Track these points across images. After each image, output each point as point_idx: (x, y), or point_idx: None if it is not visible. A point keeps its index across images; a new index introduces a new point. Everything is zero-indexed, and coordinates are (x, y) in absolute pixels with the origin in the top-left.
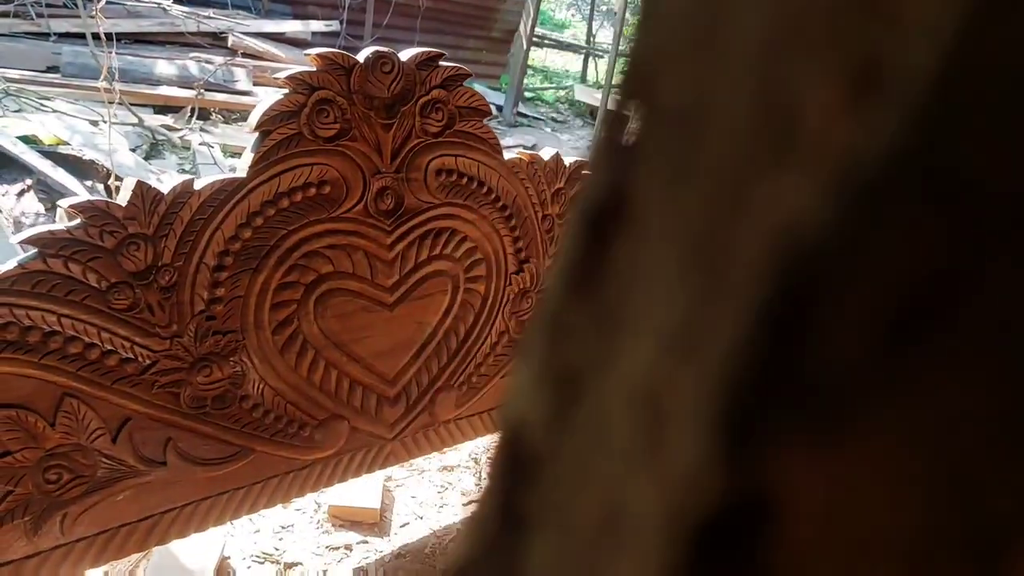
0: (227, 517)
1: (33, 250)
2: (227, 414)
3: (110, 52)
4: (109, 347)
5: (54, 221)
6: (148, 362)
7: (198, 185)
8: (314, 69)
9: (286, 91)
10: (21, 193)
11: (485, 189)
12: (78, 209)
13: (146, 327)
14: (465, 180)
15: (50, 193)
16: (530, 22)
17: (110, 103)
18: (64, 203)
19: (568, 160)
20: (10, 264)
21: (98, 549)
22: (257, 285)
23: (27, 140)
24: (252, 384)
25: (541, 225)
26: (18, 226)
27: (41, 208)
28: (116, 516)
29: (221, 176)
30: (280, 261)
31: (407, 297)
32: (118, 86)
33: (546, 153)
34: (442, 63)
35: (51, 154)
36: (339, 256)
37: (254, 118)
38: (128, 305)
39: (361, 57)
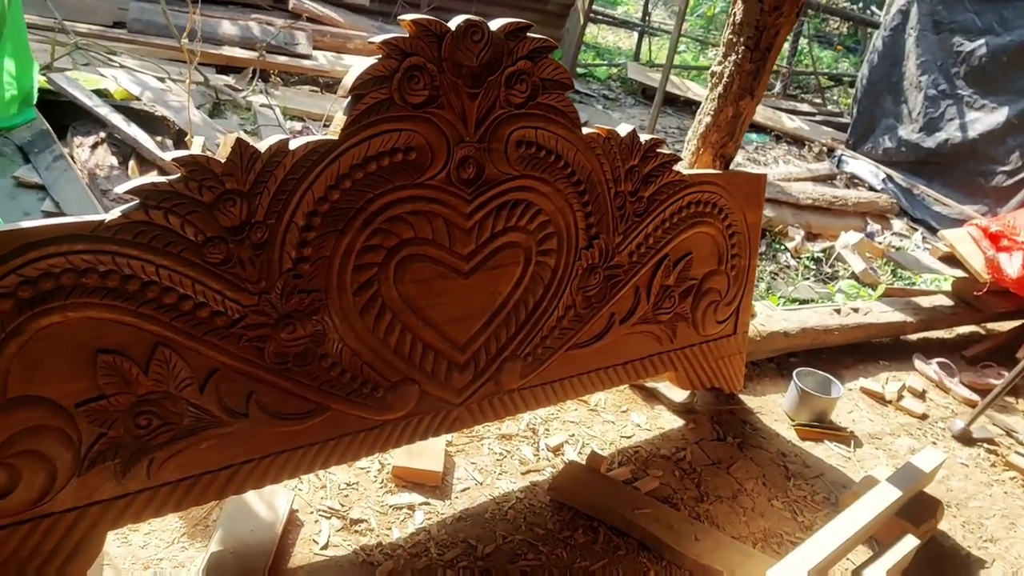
0: (301, 471)
1: (135, 201)
2: (307, 371)
3: (194, 11)
4: (202, 299)
5: (126, 174)
6: (237, 316)
7: (292, 145)
8: (407, 35)
9: (379, 56)
10: (95, 146)
11: (562, 163)
12: (180, 163)
13: (237, 282)
14: (543, 153)
15: (121, 146)
16: None
17: (190, 61)
18: (168, 156)
19: (644, 137)
20: (114, 213)
21: (181, 494)
22: (342, 247)
23: (100, 94)
24: (332, 343)
25: (613, 201)
26: (92, 177)
27: (114, 161)
28: (199, 464)
29: (314, 137)
30: (365, 224)
31: (482, 266)
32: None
33: (622, 129)
34: (530, 34)
35: (123, 108)
36: (420, 222)
37: (348, 81)
38: (221, 259)
39: (453, 24)
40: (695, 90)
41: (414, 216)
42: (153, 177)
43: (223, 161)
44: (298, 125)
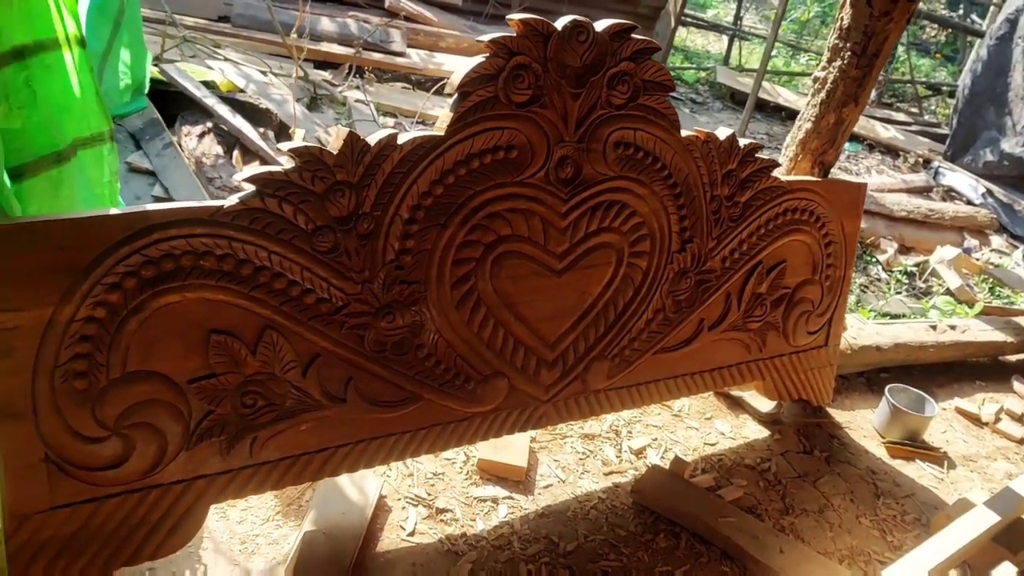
0: (392, 458)
1: (252, 188)
2: (403, 360)
3: (303, 10)
4: (309, 286)
5: (231, 163)
6: (340, 304)
7: (401, 139)
8: (513, 34)
9: (486, 55)
10: (202, 135)
11: (659, 165)
12: (295, 153)
13: (342, 270)
14: (641, 154)
15: (226, 137)
16: (680, 1)
17: (296, 56)
18: (283, 146)
19: (743, 142)
20: (232, 199)
21: (280, 473)
22: (443, 240)
23: (207, 85)
24: (428, 334)
25: (708, 206)
26: (199, 166)
27: (220, 150)
28: (298, 445)
29: (422, 133)
30: (465, 220)
31: (574, 266)
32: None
33: (722, 133)
34: (635, 36)
35: (229, 100)
36: (518, 220)
37: (456, 79)
38: (329, 248)
39: (559, 25)
40: (785, 96)
41: (512, 213)
42: (269, 166)
43: (335, 153)
44: (391, 121)
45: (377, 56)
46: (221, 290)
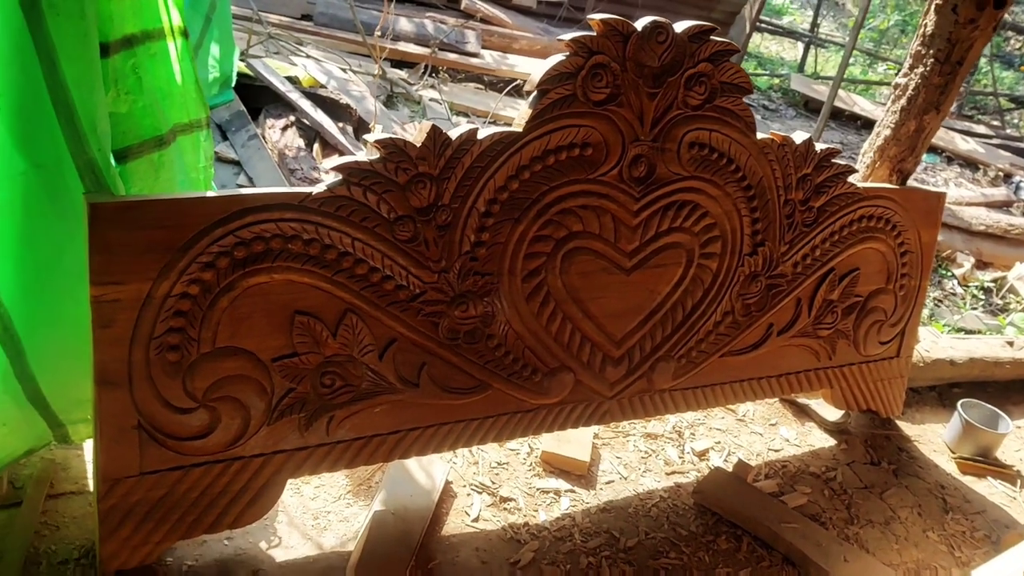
0: (460, 443)
1: (339, 177)
2: (475, 349)
3: (387, 11)
4: (388, 273)
5: (312, 156)
6: (417, 291)
7: (480, 135)
8: (594, 34)
9: (566, 53)
10: (285, 128)
11: (733, 167)
12: (380, 144)
13: (420, 259)
14: (715, 156)
15: (307, 130)
16: (756, 7)
17: (377, 56)
18: (370, 138)
19: (819, 146)
20: (320, 187)
21: (353, 453)
22: (516, 234)
23: (290, 80)
24: (499, 325)
25: (782, 209)
26: (282, 157)
27: (301, 143)
28: (372, 426)
29: (501, 129)
30: (538, 215)
31: (644, 264)
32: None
33: (798, 137)
34: (713, 38)
35: (311, 95)
36: (589, 217)
37: (536, 76)
38: (409, 237)
39: (639, 25)
40: (861, 104)
41: (584, 210)
42: (355, 156)
43: (418, 146)
44: (463, 121)
45: (452, 56)
46: (306, 273)
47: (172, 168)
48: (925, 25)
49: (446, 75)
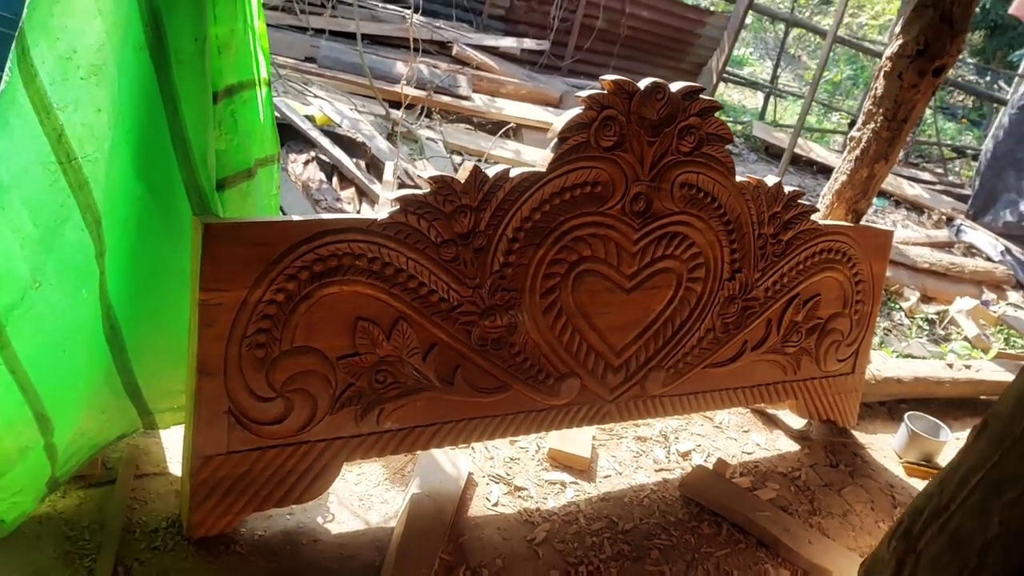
0: (485, 437)
1: (398, 206)
2: (499, 355)
3: (412, 61)
4: (434, 287)
5: (333, 188)
6: (456, 303)
7: (512, 173)
8: (605, 91)
9: (582, 107)
10: (307, 162)
11: (716, 204)
12: (433, 180)
13: (459, 276)
14: (702, 195)
15: (323, 164)
16: (723, 59)
17: (404, 100)
18: (425, 175)
19: (788, 188)
20: (384, 214)
21: (398, 441)
22: (537, 257)
23: (309, 119)
24: (520, 335)
25: (756, 241)
26: (306, 189)
27: (323, 176)
28: (414, 418)
29: (529, 169)
30: (555, 241)
31: (641, 285)
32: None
33: (770, 180)
34: (702, 96)
35: (329, 133)
36: (597, 244)
37: (558, 126)
38: (452, 257)
39: (641, 85)
40: (817, 151)
41: (593, 238)
42: (413, 189)
43: (462, 182)
44: (458, 158)
45: (446, 99)
46: (369, 285)
47: (255, 195)
48: (876, 88)
49: (438, 116)
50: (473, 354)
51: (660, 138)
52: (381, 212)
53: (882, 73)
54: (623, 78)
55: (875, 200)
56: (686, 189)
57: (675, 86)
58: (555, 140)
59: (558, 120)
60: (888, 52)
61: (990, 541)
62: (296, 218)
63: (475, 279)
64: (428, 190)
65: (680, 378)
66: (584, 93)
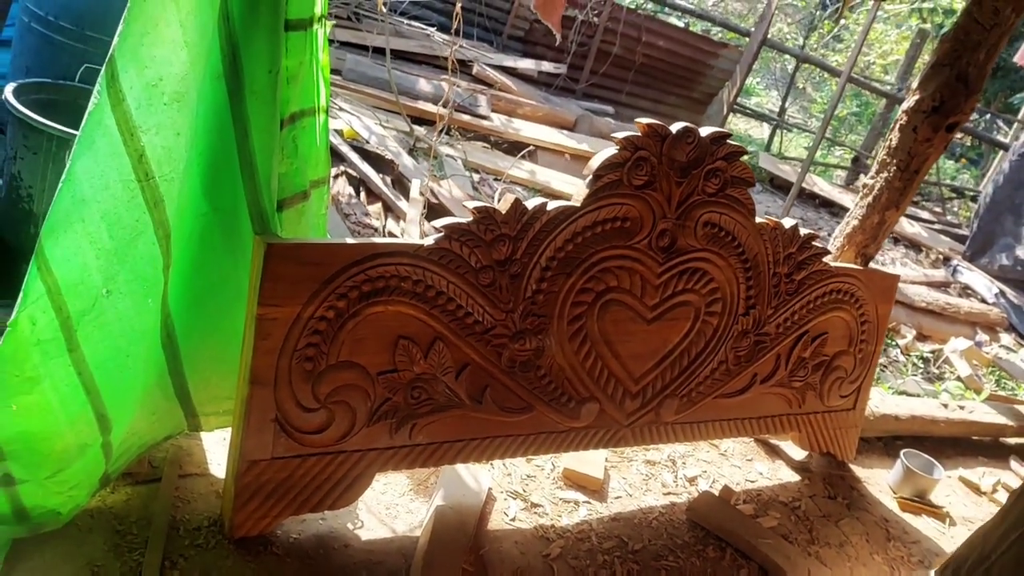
0: (508, 455)
1: (442, 233)
2: (526, 377)
3: (451, 82)
4: (470, 310)
5: (361, 203)
6: (489, 326)
7: (549, 207)
8: (639, 133)
9: (617, 148)
10: (336, 176)
11: (736, 243)
12: (476, 211)
13: (495, 301)
14: (723, 233)
15: (351, 179)
16: (735, 92)
17: (439, 120)
18: (468, 204)
19: (803, 231)
20: (430, 240)
21: (427, 454)
22: (567, 286)
23: (337, 132)
24: (546, 358)
25: (770, 280)
26: (336, 203)
27: (351, 191)
28: (443, 434)
29: (564, 203)
30: (585, 271)
31: (662, 316)
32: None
33: (787, 222)
34: (728, 142)
35: (358, 149)
36: (623, 276)
37: (594, 164)
38: (489, 283)
39: (673, 129)
40: (820, 185)
41: (619, 270)
42: (457, 218)
43: (503, 212)
44: (476, 176)
45: (466, 117)
46: (411, 306)
47: (310, 215)
48: (890, 140)
49: (457, 133)
50: (502, 375)
51: (688, 179)
52: (428, 239)
53: (898, 126)
54: (656, 122)
55: None
56: (709, 228)
57: (704, 131)
58: (590, 177)
59: (594, 159)
60: (904, 106)
61: None
62: (350, 241)
63: (508, 304)
64: (471, 219)
65: (692, 406)
66: (620, 135)
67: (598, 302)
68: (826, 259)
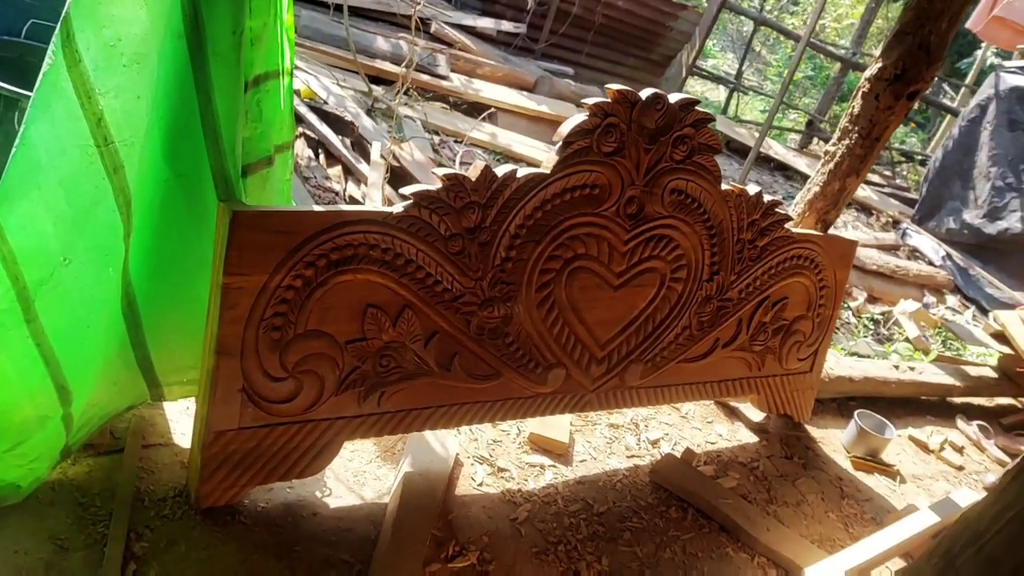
0: (476, 420)
1: (411, 200)
2: (494, 344)
3: (414, 42)
4: (439, 278)
5: (321, 166)
6: (458, 294)
7: (519, 174)
8: (609, 100)
9: (587, 114)
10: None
11: (701, 210)
12: (446, 177)
13: (464, 269)
14: (689, 200)
15: (310, 141)
16: (694, 54)
17: (403, 82)
18: (438, 171)
19: (768, 198)
20: (399, 207)
21: (396, 422)
22: (535, 253)
23: (295, 92)
24: (514, 325)
25: (734, 246)
26: (296, 166)
27: (311, 153)
28: (411, 401)
29: (534, 170)
30: (553, 239)
31: (628, 283)
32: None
33: (751, 189)
34: (697, 108)
35: (315, 109)
36: (591, 242)
37: (564, 130)
38: (458, 251)
39: (643, 95)
40: (775, 148)
41: (587, 237)
42: (425, 185)
43: (473, 179)
44: (436, 138)
45: (425, 77)
46: (380, 275)
47: (273, 181)
48: (852, 107)
49: (415, 94)
50: (470, 342)
51: (656, 146)
52: (396, 206)
53: (860, 93)
54: (627, 88)
55: None
56: (676, 195)
57: (673, 97)
58: (560, 143)
59: (564, 125)
60: (867, 74)
61: (1019, 566)
62: (318, 209)
63: (477, 272)
64: (440, 186)
65: (656, 371)
66: (590, 100)
67: (566, 269)
68: (787, 225)
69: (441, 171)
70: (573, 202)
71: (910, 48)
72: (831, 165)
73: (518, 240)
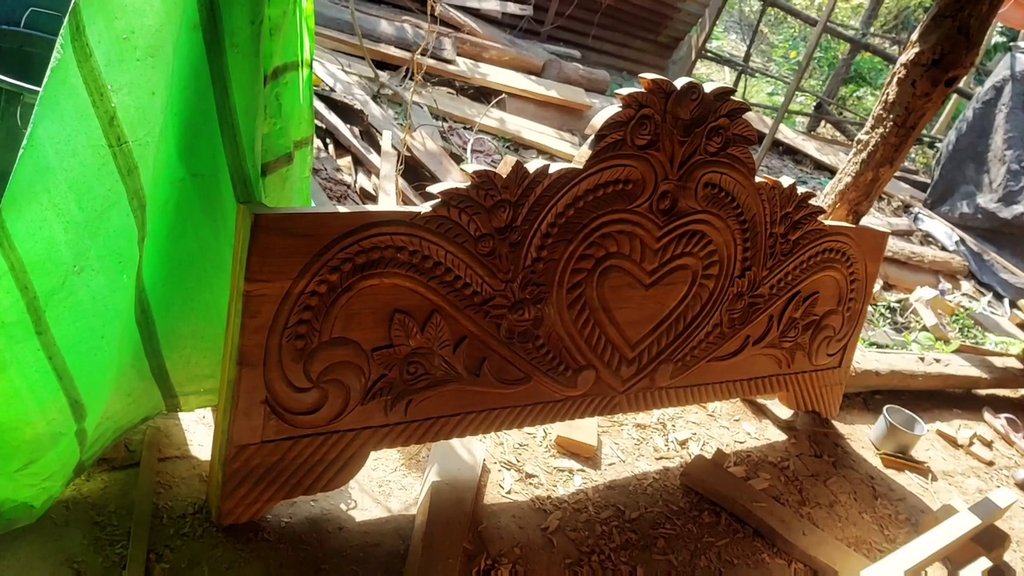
0: (505, 426)
1: (439, 199)
2: (524, 347)
3: (432, 30)
4: (468, 281)
5: (331, 156)
6: (488, 297)
7: (551, 170)
8: (643, 90)
9: (620, 105)
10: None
11: (735, 204)
12: (476, 175)
13: (494, 270)
14: (723, 194)
15: (318, 130)
16: (703, 36)
17: (413, 69)
18: (468, 168)
19: (801, 190)
20: (427, 207)
21: (423, 431)
22: (567, 253)
23: None
24: (545, 328)
25: (767, 241)
26: None
27: (319, 143)
28: (440, 409)
29: (566, 165)
30: (585, 237)
31: (660, 281)
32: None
33: (785, 181)
34: (732, 98)
35: (323, 97)
36: (623, 240)
37: (597, 123)
38: (488, 252)
39: (678, 84)
40: (784, 132)
41: (620, 235)
42: (455, 183)
43: (504, 177)
44: (444, 125)
45: (431, 61)
46: (408, 278)
47: (293, 179)
48: (887, 94)
49: (420, 78)
50: (500, 346)
51: (691, 138)
52: (424, 206)
53: (895, 80)
54: (660, 77)
55: (823, 180)
56: (709, 188)
57: (709, 86)
58: (592, 136)
59: (597, 117)
60: (903, 59)
61: None
62: (342, 210)
63: (508, 273)
64: (469, 183)
65: (686, 371)
66: (625, 91)
67: (598, 269)
68: (819, 218)
69: (471, 168)
70: (606, 198)
71: (949, 32)
72: (863, 155)
73: (549, 239)
